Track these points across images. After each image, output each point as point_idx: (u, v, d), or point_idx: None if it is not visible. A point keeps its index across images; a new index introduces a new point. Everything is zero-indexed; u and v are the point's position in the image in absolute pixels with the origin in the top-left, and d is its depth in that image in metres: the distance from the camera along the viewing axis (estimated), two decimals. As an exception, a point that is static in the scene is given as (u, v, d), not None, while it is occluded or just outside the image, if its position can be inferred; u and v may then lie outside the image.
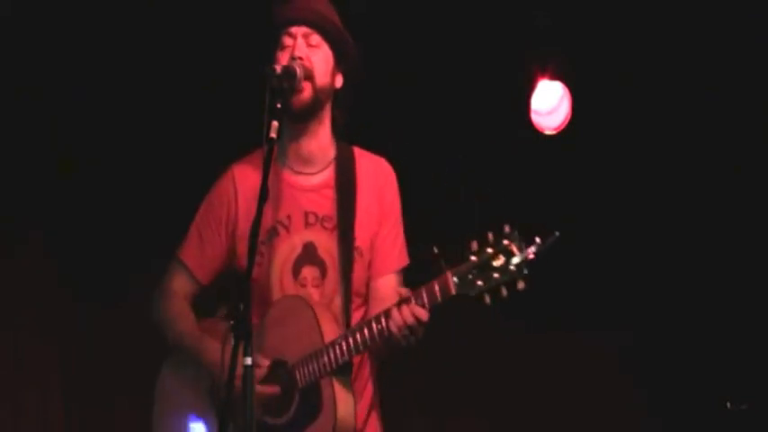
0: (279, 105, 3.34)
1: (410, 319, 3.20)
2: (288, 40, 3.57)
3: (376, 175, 3.63)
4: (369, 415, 3.63)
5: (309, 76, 3.52)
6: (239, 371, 3.03)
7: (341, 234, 3.54)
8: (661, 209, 6.13)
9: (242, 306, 3.11)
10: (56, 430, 5.43)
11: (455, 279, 3.14)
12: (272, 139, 3.29)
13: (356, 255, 3.57)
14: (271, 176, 3.40)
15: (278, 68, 3.42)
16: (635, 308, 6.17)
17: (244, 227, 3.60)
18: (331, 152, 3.65)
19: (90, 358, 5.53)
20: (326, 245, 3.58)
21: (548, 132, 5.94)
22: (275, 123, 3.31)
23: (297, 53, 3.52)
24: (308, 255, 3.58)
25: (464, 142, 5.95)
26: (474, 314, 6.21)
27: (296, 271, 3.58)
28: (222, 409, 3.15)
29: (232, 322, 3.12)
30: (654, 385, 6.27)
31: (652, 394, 6.27)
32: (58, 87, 5.32)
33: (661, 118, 5.92)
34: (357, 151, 3.67)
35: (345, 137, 3.72)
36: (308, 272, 3.57)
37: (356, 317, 3.57)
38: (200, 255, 3.70)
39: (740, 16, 5.45)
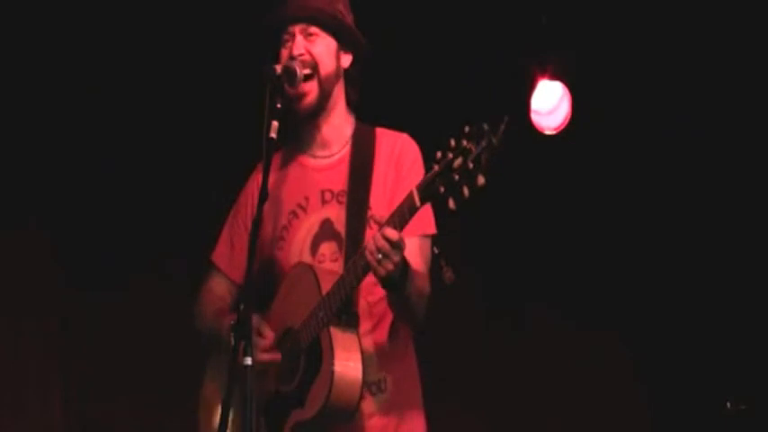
0: (279, 105, 3.34)
1: (380, 242, 3.15)
2: (287, 38, 3.58)
3: (393, 147, 3.59)
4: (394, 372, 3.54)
5: (314, 69, 3.53)
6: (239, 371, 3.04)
7: (350, 203, 3.52)
8: (661, 208, 6.13)
9: (242, 306, 3.10)
10: (56, 430, 5.43)
11: (418, 192, 3.12)
12: (272, 138, 3.29)
13: (371, 223, 3.50)
14: (291, 163, 3.55)
15: (278, 69, 3.43)
16: (635, 307, 6.17)
17: (265, 216, 3.54)
18: (348, 131, 3.65)
19: (90, 358, 5.53)
20: (343, 219, 3.55)
21: (548, 132, 5.94)
22: (275, 123, 3.31)
23: (295, 51, 3.53)
24: (325, 231, 3.56)
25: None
26: (474, 314, 6.24)
27: (314, 249, 3.56)
28: (222, 408, 3.14)
29: (232, 322, 3.12)
30: (654, 385, 6.26)
31: (652, 394, 6.27)
32: (58, 87, 5.32)
33: (661, 118, 5.92)
34: (379, 130, 3.65)
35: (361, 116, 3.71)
36: (326, 248, 3.55)
37: (377, 290, 3.44)
38: (230, 255, 3.71)
39: (740, 16, 5.45)
